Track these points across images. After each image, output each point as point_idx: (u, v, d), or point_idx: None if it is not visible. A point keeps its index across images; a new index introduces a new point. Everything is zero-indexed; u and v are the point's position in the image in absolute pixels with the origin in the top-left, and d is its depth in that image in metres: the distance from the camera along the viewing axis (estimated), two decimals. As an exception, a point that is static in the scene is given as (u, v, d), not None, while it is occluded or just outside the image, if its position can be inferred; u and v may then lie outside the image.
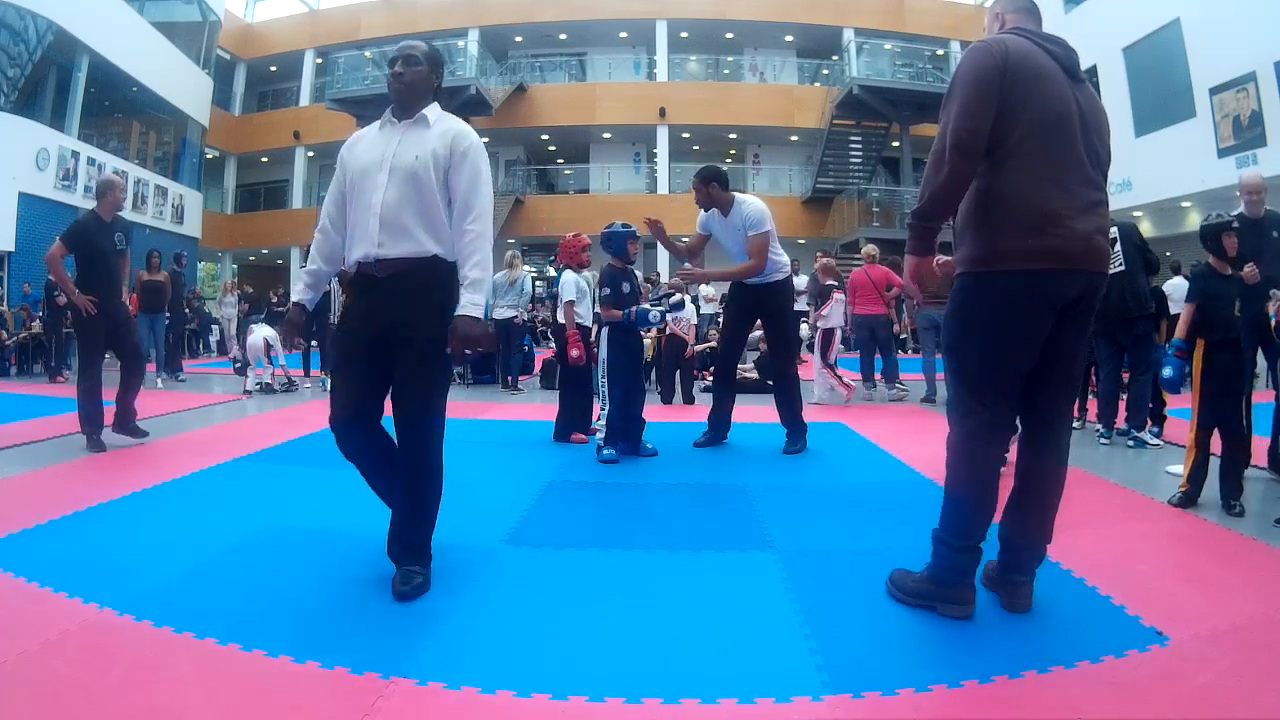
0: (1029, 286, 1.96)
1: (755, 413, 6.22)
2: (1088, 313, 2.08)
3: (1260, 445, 3.69)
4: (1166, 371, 3.28)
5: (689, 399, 6.82)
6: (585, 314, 4.92)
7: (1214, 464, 3.25)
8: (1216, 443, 3.26)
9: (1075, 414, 5.48)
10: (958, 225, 2.11)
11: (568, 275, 4.88)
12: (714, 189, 4.42)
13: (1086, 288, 2.01)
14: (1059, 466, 2.11)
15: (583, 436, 4.72)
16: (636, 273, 4.75)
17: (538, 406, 6.64)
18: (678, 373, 6.98)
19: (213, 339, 15.19)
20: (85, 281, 4.55)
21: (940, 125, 2.01)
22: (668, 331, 6.95)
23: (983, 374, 2.04)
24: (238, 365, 8.05)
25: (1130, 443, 4.62)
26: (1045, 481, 2.10)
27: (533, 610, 2.16)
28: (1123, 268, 4.59)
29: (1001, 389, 2.04)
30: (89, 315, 4.46)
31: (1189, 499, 3.19)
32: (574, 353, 4.55)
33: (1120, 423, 4.77)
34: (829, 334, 6.83)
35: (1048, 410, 2.11)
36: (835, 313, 6.86)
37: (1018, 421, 2.22)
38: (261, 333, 7.73)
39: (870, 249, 7.60)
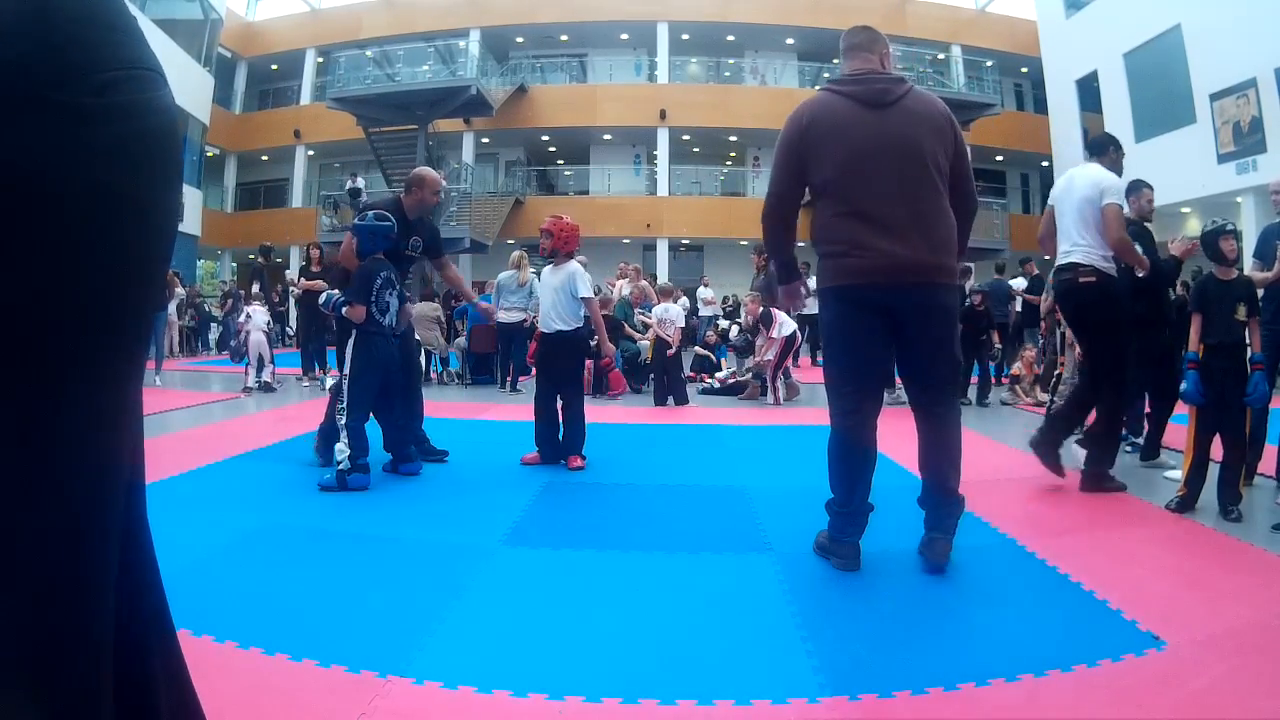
0: (846, 299, 2.41)
1: (752, 415, 6.24)
2: (929, 318, 2.41)
3: (1271, 454, 3.69)
4: (1184, 385, 3.26)
5: (682, 400, 6.80)
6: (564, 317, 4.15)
7: (1213, 469, 3.25)
8: (1218, 448, 3.26)
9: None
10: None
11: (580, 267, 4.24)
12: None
13: (911, 298, 2.35)
14: (940, 428, 2.46)
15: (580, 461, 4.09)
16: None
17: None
18: (665, 375, 6.94)
19: (211, 337, 15.17)
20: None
21: None
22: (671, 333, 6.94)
23: (834, 372, 2.50)
24: (235, 349, 7.98)
25: (1128, 448, 4.62)
26: (933, 445, 2.46)
27: (530, 610, 2.16)
28: None
29: (854, 382, 2.45)
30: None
31: (1186, 503, 3.19)
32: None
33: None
34: (790, 340, 7.13)
35: (921, 394, 2.50)
36: (788, 321, 7.06)
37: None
38: (259, 324, 7.63)
39: None
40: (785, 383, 7.20)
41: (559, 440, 4.13)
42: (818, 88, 2.61)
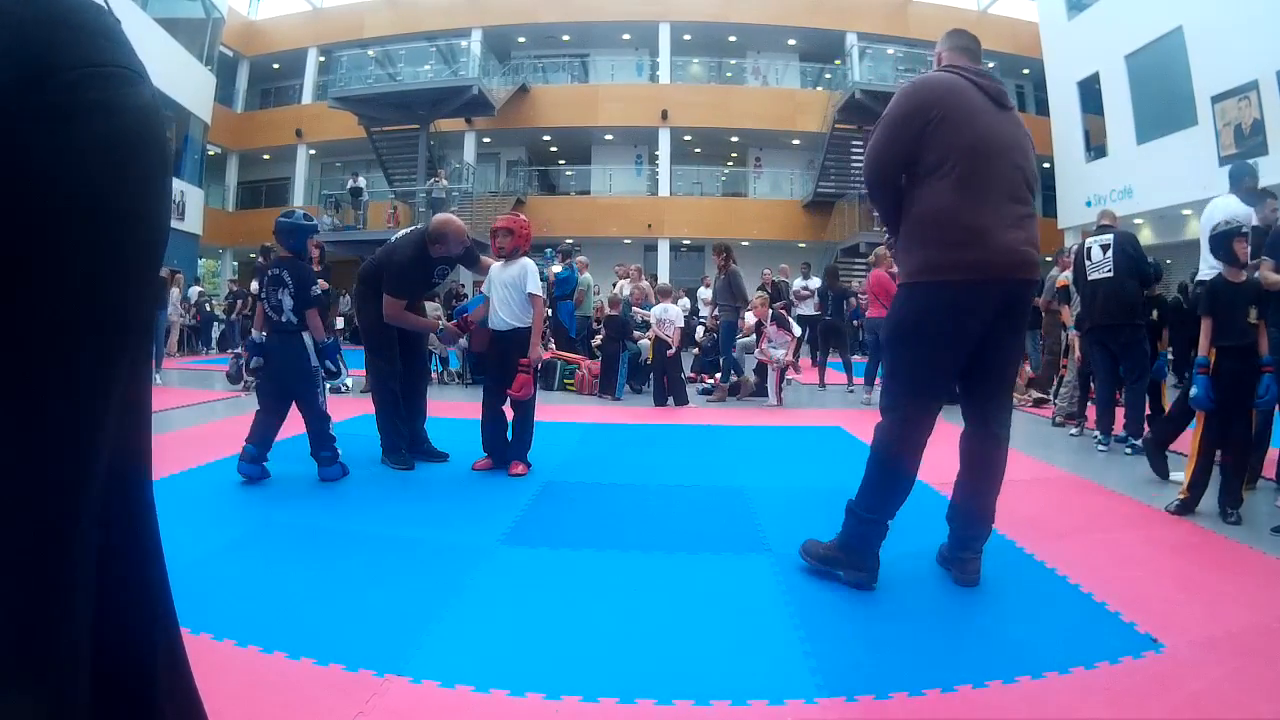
0: (958, 296, 2.18)
1: (752, 415, 6.23)
2: (1020, 317, 2.32)
3: (1273, 456, 3.68)
4: (1194, 391, 3.20)
5: (681, 400, 6.81)
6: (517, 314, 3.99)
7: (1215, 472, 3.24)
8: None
9: (1073, 421, 5.51)
10: (900, 242, 2.35)
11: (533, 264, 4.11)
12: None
13: (1014, 295, 2.24)
14: (997, 451, 2.33)
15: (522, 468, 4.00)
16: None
17: (537, 406, 6.63)
18: (665, 376, 6.95)
19: (213, 336, 15.17)
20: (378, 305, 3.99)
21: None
22: (668, 332, 6.94)
23: (914, 373, 2.28)
24: (231, 373, 8.00)
25: (1128, 450, 4.62)
26: (985, 467, 2.33)
27: (528, 610, 2.16)
28: (1110, 274, 4.61)
29: (930, 387, 2.27)
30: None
31: (1187, 506, 3.18)
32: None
33: (1118, 429, 4.77)
34: (799, 342, 7.35)
35: (986, 403, 2.34)
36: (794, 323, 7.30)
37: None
38: None
39: (879, 251, 7.56)
40: (741, 380, 7.40)
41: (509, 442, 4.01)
42: (940, 68, 2.39)
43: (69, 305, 0.62)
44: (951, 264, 2.18)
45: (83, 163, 0.61)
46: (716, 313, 7.64)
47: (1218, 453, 3.29)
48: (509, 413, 4.11)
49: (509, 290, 3.93)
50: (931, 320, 2.22)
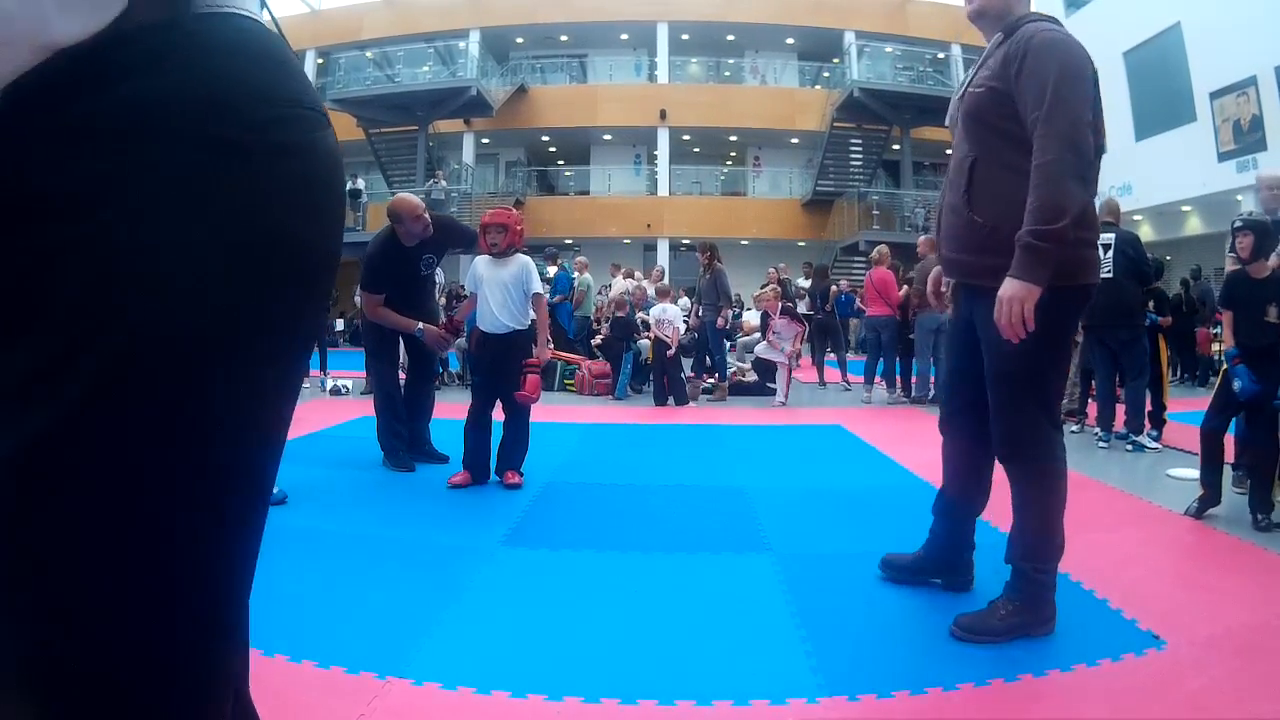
0: (1084, 301, 1.91)
1: (752, 415, 6.24)
2: None
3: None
4: (1237, 384, 3.11)
5: (681, 400, 6.81)
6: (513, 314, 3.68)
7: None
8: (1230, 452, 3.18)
9: (1074, 418, 5.51)
10: (994, 235, 1.85)
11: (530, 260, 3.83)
12: None
13: None
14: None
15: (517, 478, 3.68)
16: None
17: (536, 407, 6.63)
18: (665, 375, 6.94)
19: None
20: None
21: (1056, 125, 1.74)
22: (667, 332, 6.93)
23: (1055, 393, 1.95)
24: None
25: (1129, 446, 4.62)
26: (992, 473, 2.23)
27: (529, 611, 2.16)
28: (1109, 274, 4.61)
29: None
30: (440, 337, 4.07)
31: (1206, 504, 3.09)
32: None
33: (1119, 426, 4.77)
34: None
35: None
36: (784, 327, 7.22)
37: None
38: None
39: (881, 249, 7.56)
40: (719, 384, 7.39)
41: (494, 453, 3.71)
42: (1047, 18, 1.89)
43: (247, 341, 0.57)
44: (1088, 265, 1.87)
45: (269, 201, 0.56)
46: (700, 311, 7.59)
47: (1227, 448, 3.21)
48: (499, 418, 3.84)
49: (508, 291, 3.61)
50: (1067, 333, 1.92)
